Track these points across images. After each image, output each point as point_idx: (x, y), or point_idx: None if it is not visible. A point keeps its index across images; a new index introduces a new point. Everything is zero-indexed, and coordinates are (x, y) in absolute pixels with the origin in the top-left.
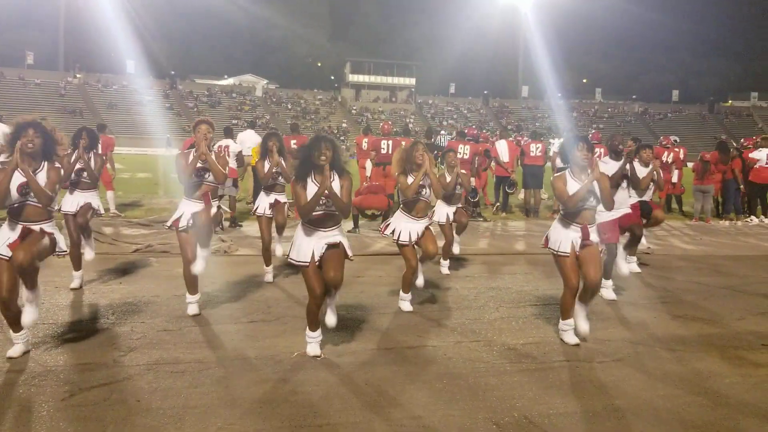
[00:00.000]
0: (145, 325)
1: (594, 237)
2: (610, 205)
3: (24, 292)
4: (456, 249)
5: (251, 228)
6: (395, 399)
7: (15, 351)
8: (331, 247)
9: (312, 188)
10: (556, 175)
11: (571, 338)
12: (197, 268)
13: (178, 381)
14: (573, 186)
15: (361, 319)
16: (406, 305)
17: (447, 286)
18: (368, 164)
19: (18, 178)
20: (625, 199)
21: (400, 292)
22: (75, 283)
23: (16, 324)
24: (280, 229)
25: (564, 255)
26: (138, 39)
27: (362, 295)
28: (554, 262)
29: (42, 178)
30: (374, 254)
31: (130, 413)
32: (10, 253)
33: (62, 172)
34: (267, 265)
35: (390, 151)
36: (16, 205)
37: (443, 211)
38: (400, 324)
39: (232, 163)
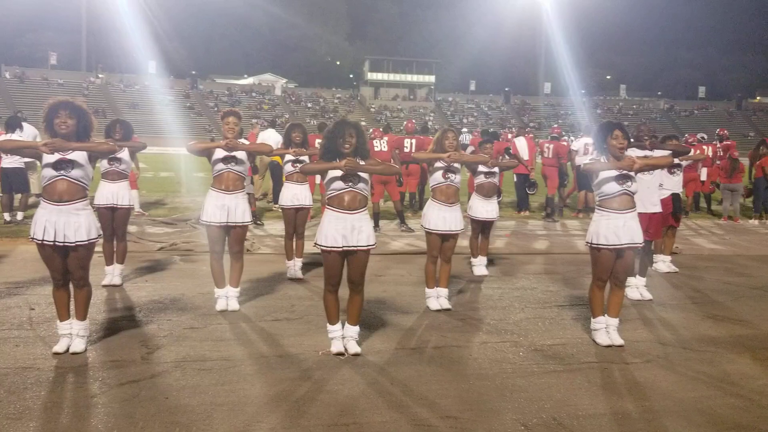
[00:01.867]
0: (172, 322)
1: (638, 236)
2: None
3: (74, 324)
4: (483, 270)
5: (273, 227)
6: (422, 399)
7: (60, 346)
8: (359, 252)
9: (334, 172)
10: (590, 157)
11: (603, 339)
12: (231, 306)
13: (205, 378)
14: (606, 171)
15: (384, 319)
16: (432, 303)
17: (471, 286)
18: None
19: (53, 156)
20: (655, 192)
21: (425, 289)
22: (106, 279)
23: (64, 311)
24: (299, 245)
25: (600, 247)
26: (159, 39)
27: (384, 294)
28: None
29: (79, 155)
30: (394, 253)
31: (159, 410)
32: (61, 239)
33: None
34: (289, 259)
35: (413, 150)
36: (50, 183)
37: (480, 207)
38: (424, 324)
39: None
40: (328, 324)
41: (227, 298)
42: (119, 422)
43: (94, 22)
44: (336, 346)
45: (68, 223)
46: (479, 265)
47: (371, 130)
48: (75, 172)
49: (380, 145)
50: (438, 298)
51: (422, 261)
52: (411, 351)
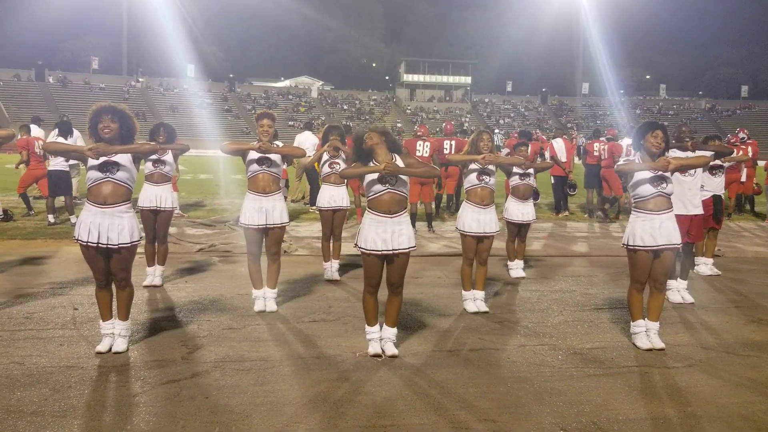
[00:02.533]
0: (211, 323)
1: (675, 237)
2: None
3: (116, 324)
4: (520, 272)
5: (308, 228)
6: (459, 401)
7: (103, 346)
8: (399, 254)
9: (372, 174)
10: (625, 158)
11: (643, 342)
12: (269, 307)
13: (244, 378)
14: (641, 173)
15: (421, 321)
16: (469, 305)
17: (508, 289)
18: None
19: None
20: (697, 194)
21: (462, 291)
22: (147, 280)
23: (107, 311)
24: (336, 246)
25: (637, 248)
26: (197, 44)
27: (421, 296)
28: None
29: (124, 157)
30: (431, 255)
31: (200, 409)
32: (104, 241)
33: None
34: (326, 261)
35: (452, 151)
36: (95, 184)
37: (516, 209)
38: (461, 326)
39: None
40: (366, 325)
41: (265, 299)
42: (160, 421)
43: (135, 28)
44: (373, 348)
45: (111, 226)
46: (516, 268)
47: (416, 127)
48: (120, 174)
49: (422, 149)
50: (475, 300)
51: (459, 263)
52: (448, 353)
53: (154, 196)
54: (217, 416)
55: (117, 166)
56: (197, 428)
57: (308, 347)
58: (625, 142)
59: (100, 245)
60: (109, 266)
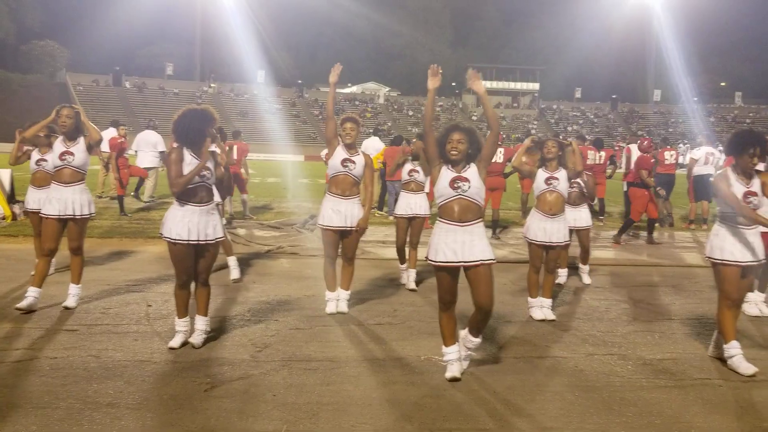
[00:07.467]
0: (279, 323)
1: (762, 252)
2: None
3: (198, 319)
4: (586, 279)
5: (374, 232)
6: (524, 409)
7: (176, 342)
8: (479, 267)
9: (443, 178)
10: (718, 173)
11: (746, 368)
12: (341, 308)
13: (311, 378)
14: (738, 187)
15: (486, 327)
16: (536, 312)
17: (575, 297)
18: None
19: (193, 163)
20: None
21: (528, 298)
22: None
23: (183, 309)
24: (413, 255)
25: (727, 263)
26: (267, 50)
27: None
28: (713, 272)
29: (211, 163)
30: (498, 261)
31: (268, 407)
32: (203, 238)
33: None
34: (402, 263)
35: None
36: (193, 187)
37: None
38: (527, 333)
39: None
40: (443, 346)
41: (338, 300)
42: (230, 416)
43: (208, 35)
44: (451, 371)
45: (208, 223)
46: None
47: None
48: (212, 179)
49: (497, 155)
50: (542, 308)
51: (525, 269)
52: (514, 360)
53: None
54: (285, 414)
55: (210, 171)
56: (265, 425)
57: (374, 349)
58: (704, 150)
59: (200, 242)
60: (195, 265)
